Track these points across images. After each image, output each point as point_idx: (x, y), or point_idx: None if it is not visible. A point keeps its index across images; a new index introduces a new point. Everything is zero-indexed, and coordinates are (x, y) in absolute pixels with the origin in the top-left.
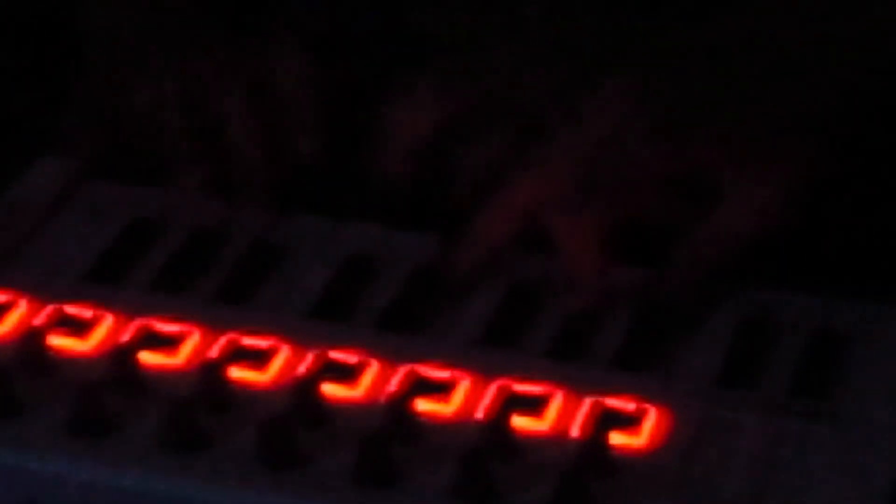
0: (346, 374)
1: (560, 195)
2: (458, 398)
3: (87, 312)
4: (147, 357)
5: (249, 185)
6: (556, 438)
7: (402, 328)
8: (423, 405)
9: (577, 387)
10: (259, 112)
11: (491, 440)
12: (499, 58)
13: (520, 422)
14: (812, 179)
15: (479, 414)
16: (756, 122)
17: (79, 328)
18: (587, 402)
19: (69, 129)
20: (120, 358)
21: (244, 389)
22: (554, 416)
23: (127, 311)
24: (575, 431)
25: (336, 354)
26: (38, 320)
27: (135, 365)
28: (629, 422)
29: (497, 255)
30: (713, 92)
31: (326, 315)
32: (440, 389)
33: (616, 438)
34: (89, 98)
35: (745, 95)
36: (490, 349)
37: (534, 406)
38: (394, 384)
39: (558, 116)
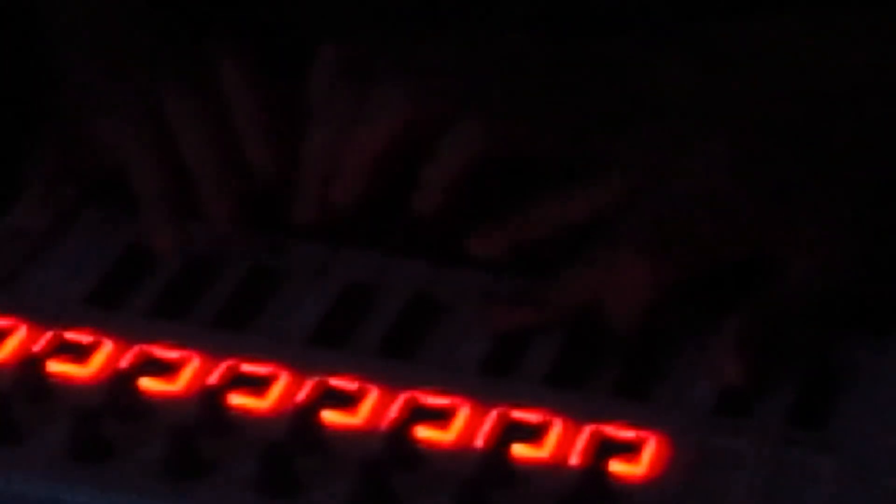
0: (346, 401)
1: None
2: (457, 426)
3: (86, 338)
4: (146, 383)
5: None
6: (556, 466)
7: (402, 355)
8: (422, 433)
9: (576, 415)
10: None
11: (490, 468)
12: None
13: (519, 450)
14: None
15: (479, 442)
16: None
17: (78, 354)
18: (587, 431)
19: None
20: (119, 384)
21: (243, 416)
22: (553, 444)
23: (126, 337)
24: (574, 459)
25: (335, 381)
26: (38, 346)
27: (134, 391)
28: (629, 450)
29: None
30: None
31: (326, 342)
32: (440, 417)
33: (615, 467)
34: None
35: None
36: (490, 377)
37: (533, 434)
38: (393, 411)
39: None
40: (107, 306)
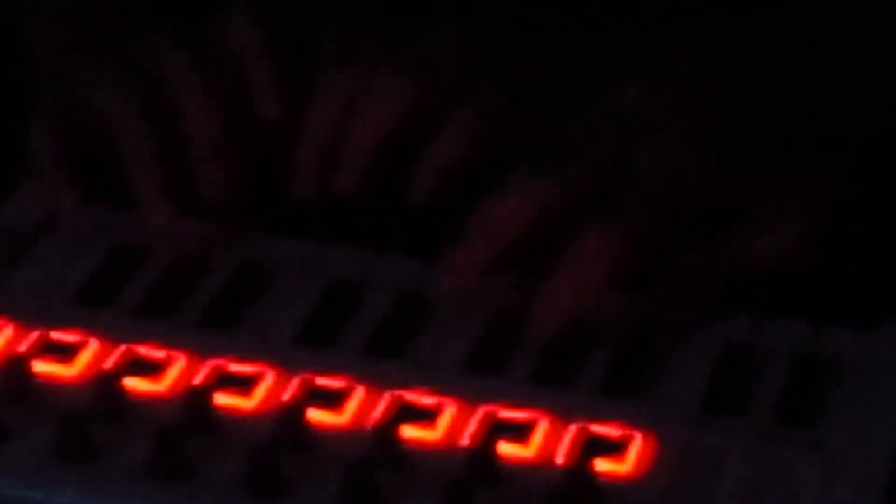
0: (332, 400)
1: (584, 208)
2: (443, 425)
3: (72, 338)
4: (132, 383)
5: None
6: (542, 465)
7: (388, 354)
8: (408, 432)
9: (562, 413)
10: (216, 87)
11: (476, 467)
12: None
13: (505, 448)
14: (837, 211)
15: (465, 440)
16: (799, 146)
17: (63, 354)
18: (572, 429)
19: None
20: (105, 384)
21: (229, 416)
22: (539, 442)
23: (112, 336)
24: (560, 458)
25: (322, 381)
26: (23, 346)
27: (120, 391)
28: (614, 448)
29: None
30: (760, 115)
31: (312, 341)
32: (426, 416)
33: (601, 465)
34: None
35: (792, 118)
36: (476, 375)
37: (519, 432)
38: (379, 410)
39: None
40: (92, 306)
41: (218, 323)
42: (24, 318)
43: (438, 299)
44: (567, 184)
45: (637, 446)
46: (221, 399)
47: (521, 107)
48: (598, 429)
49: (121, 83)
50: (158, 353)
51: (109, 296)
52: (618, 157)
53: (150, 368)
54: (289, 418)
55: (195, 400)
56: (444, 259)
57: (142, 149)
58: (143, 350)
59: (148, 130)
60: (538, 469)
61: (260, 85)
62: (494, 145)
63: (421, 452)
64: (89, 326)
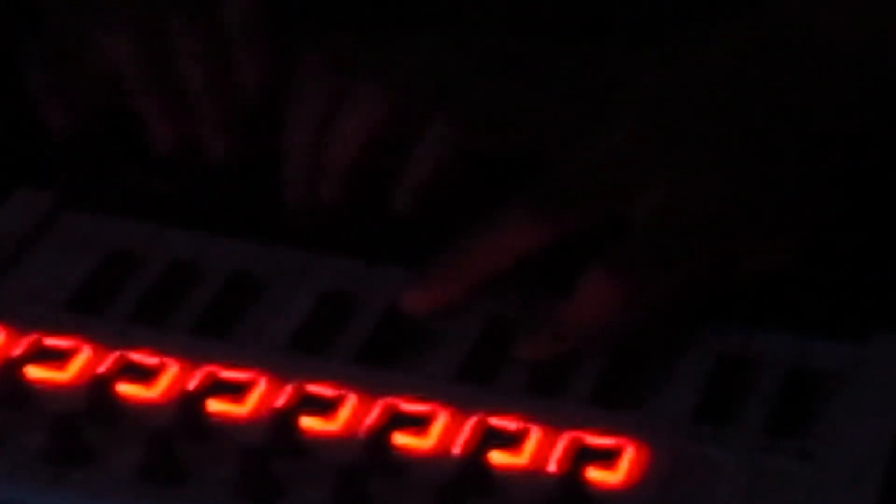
0: (324, 407)
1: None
2: (435, 432)
3: (65, 343)
4: (125, 389)
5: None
6: (534, 473)
7: (381, 362)
8: (400, 439)
9: (554, 422)
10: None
11: (468, 475)
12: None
13: (497, 457)
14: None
15: (457, 449)
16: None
17: (57, 359)
18: (565, 438)
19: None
20: (98, 389)
21: (222, 422)
22: (531, 451)
23: (105, 342)
24: (552, 466)
25: (314, 388)
26: (16, 351)
27: (112, 396)
28: (607, 457)
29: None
30: (750, 139)
31: (305, 348)
32: (418, 423)
33: (593, 474)
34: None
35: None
36: (468, 384)
37: (511, 441)
38: (372, 418)
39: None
40: (86, 312)
41: (211, 330)
42: (18, 323)
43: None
44: (561, 225)
45: (629, 456)
46: (214, 405)
47: (500, 117)
48: (590, 438)
49: (128, 24)
50: (151, 360)
51: (103, 302)
52: (612, 202)
53: (143, 374)
54: (281, 425)
55: (188, 406)
56: (416, 283)
57: (145, 75)
58: (137, 356)
59: (150, 61)
60: (530, 477)
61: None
62: (476, 153)
63: (413, 460)
64: (83, 332)
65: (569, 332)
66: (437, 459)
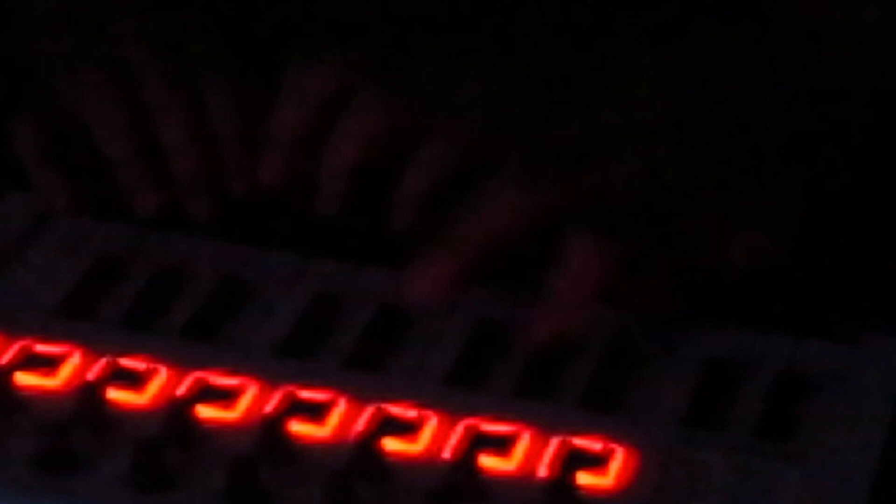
0: (314, 412)
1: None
2: (425, 437)
3: (55, 349)
4: (115, 395)
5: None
6: (524, 478)
7: (370, 366)
8: (390, 444)
9: (544, 426)
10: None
11: (458, 480)
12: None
13: (487, 461)
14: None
15: (447, 453)
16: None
17: (46, 365)
18: (554, 442)
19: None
20: (87, 395)
21: (211, 428)
22: (521, 455)
23: (95, 348)
24: (542, 471)
25: (304, 393)
26: (6, 357)
27: (102, 402)
28: (596, 462)
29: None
30: (727, 124)
31: (294, 353)
32: (408, 428)
33: (583, 478)
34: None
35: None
36: (458, 388)
37: (501, 446)
38: (361, 423)
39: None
40: (76, 317)
41: (200, 335)
42: (7, 329)
43: (420, 312)
44: (547, 196)
45: (619, 460)
46: (204, 411)
47: (498, 127)
48: (579, 442)
49: (101, 88)
50: (141, 365)
51: (92, 307)
52: (591, 172)
53: (132, 380)
54: (271, 430)
55: (177, 412)
56: (413, 268)
57: (125, 146)
58: (126, 362)
59: (130, 131)
60: (520, 482)
61: (227, 138)
62: (473, 163)
63: (403, 465)
64: (72, 337)
65: (570, 298)
66: (427, 464)
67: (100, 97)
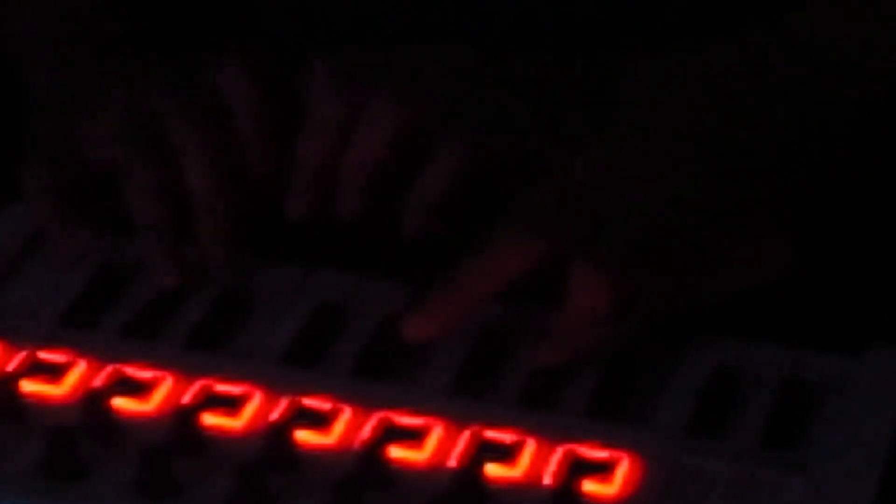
0: (319, 421)
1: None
2: (430, 446)
3: (59, 358)
4: (120, 403)
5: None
6: (529, 486)
7: (375, 375)
8: (395, 452)
9: (549, 435)
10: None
11: (463, 488)
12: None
13: (492, 470)
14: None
15: (452, 462)
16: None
17: (51, 373)
18: (560, 451)
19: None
20: (92, 404)
21: (217, 436)
22: (526, 464)
23: (100, 356)
24: (547, 479)
25: (309, 401)
26: (11, 366)
27: (107, 410)
28: (601, 470)
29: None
30: (735, 150)
31: (299, 362)
32: (413, 437)
33: (588, 487)
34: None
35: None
36: (463, 397)
37: (506, 454)
38: (366, 431)
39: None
40: (80, 326)
41: (205, 344)
42: (12, 337)
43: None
44: (554, 244)
45: (624, 468)
46: (209, 419)
47: (511, 134)
48: (584, 450)
49: (121, 127)
50: (146, 374)
51: (97, 316)
52: (601, 208)
53: (137, 388)
54: (276, 439)
55: (183, 420)
56: (420, 309)
57: (157, 213)
58: (131, 370)
59: (162, 194)
60: (525, 490)
61: (252, 145)
62: (486, 171)
63: (408, 473)
64: (77, 346)
65: (575, 331)
66: (432, 472)
67: (131, 153)
